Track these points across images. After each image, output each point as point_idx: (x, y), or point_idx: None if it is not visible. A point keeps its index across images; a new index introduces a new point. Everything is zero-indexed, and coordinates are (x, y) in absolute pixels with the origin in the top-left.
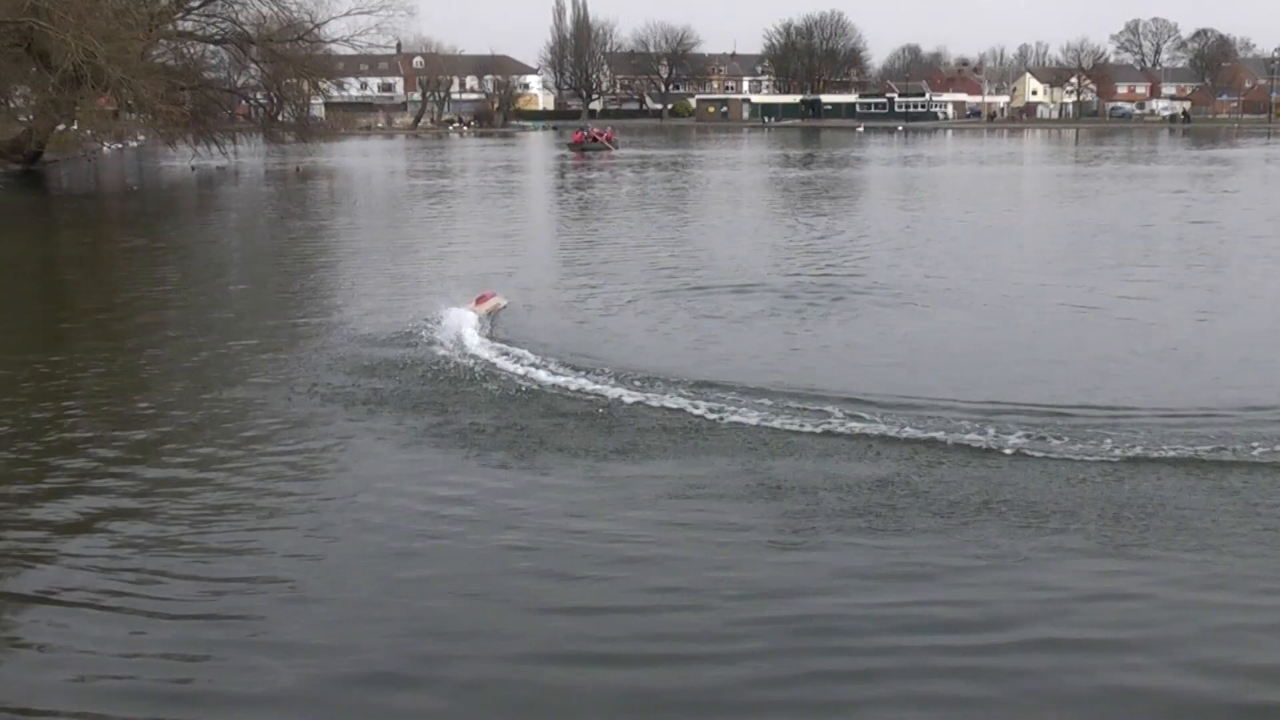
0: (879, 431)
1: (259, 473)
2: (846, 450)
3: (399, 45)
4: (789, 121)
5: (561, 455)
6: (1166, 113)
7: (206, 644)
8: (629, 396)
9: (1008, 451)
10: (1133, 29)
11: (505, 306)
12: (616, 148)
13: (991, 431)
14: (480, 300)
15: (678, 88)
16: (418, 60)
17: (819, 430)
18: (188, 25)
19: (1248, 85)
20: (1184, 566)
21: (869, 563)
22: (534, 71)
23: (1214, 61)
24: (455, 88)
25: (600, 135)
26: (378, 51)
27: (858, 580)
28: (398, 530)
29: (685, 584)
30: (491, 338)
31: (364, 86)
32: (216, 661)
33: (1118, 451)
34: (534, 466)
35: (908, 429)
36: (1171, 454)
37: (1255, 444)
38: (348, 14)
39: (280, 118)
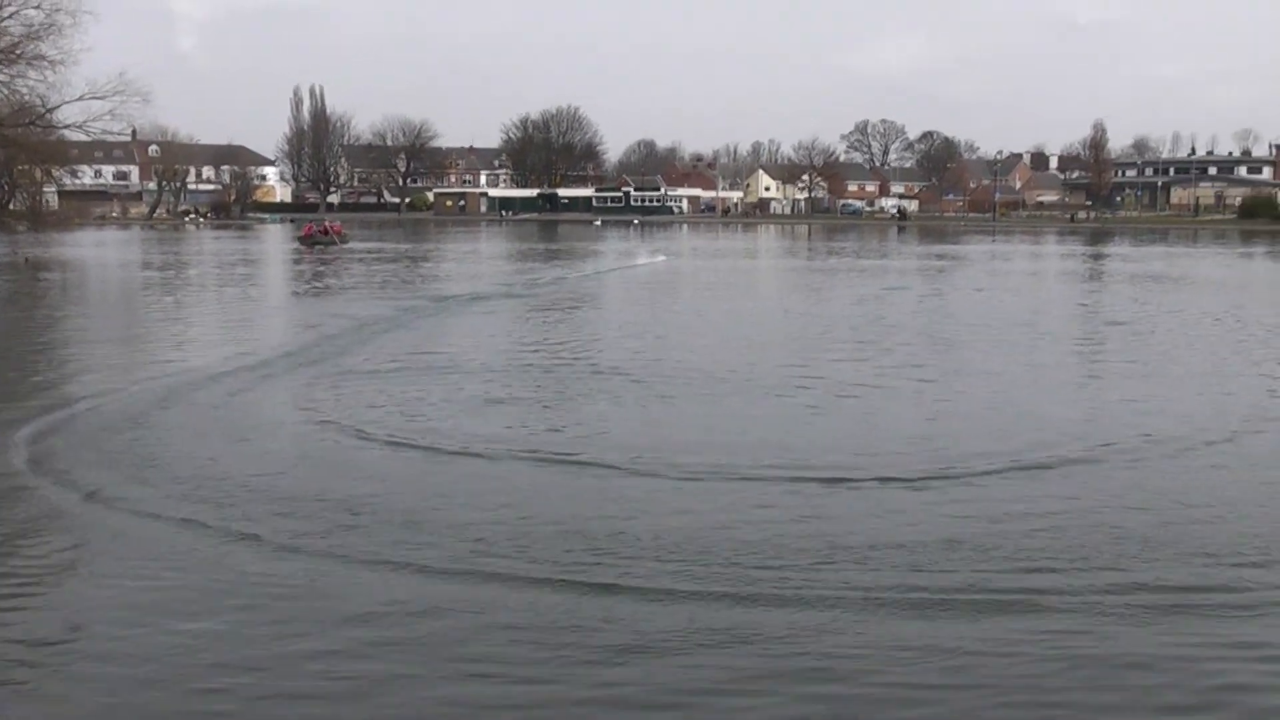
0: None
1: None
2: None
3: (134, 132)
4: (527, 215)
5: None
6: (894, 210)
7: None
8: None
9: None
10: (862, 129)
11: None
12: (345, 241)
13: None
14: (655, 253)
15: (416, 181)
16: (153, 148)
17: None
18: None
19: (973, 185)
20: None
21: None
22: (271, 163)
23: (940, 162)
24: (192, 177)
25: (330, 229)
26: (112, 138)
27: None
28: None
29: None
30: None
31: (98, 174)
32: None
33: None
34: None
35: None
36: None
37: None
38: (81, 99)
39: (11, 205)
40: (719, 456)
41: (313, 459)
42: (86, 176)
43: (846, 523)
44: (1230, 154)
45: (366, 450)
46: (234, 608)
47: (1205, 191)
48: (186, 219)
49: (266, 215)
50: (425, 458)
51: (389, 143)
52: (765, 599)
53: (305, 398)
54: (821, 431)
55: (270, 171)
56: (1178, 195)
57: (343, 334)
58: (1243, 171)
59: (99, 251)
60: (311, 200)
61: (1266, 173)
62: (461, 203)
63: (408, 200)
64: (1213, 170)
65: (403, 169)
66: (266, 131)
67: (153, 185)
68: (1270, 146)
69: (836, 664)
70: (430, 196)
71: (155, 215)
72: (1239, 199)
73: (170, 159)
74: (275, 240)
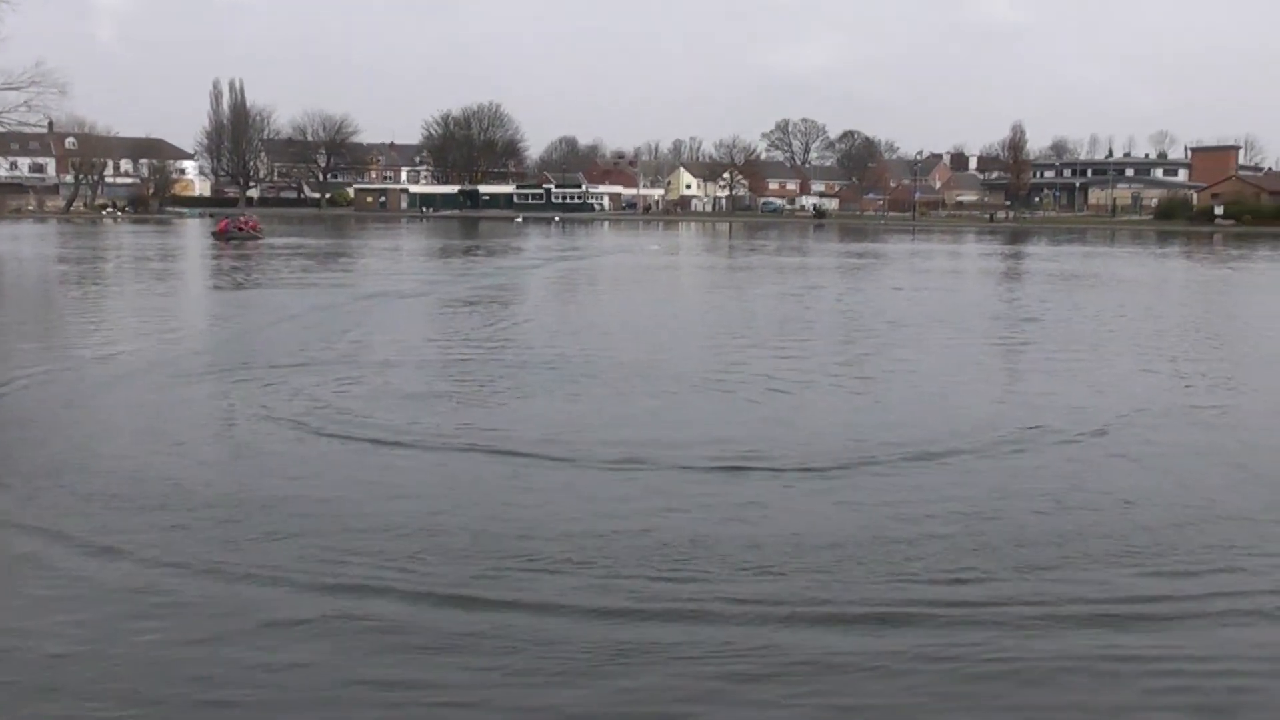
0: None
1: None
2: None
3: (51, 124)
4: (448, 212)
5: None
6: (812, 208)
7: None
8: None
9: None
10: (783, 128)
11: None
12: (261, 236)
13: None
14: (660, 246)
15: (336, 177)
16: (70, 140)
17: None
18: None
19: (893, 184)
20: None
21: None
22: (190, 157)
23: (860, 161)
24: (110, 171)
25: (245, 224)
26: (28, 130)
27: None
28: None
29: None
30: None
31: (14, 167)
32: None
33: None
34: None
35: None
36: None
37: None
38: None
39: None
40: (639, 449)
41: (230, 456)
42: (1, 169)
43: (766, 520)
44: (1147, 156)
45: (288, 446)
46: (147, 629)
47: (1122, 193)
48: (104, 213)
49: (185, 210)
50: (344, 452)
51: (309, 138)
52: (684, 608)
53: (221, 395)
54: (740, 425)
55: (189, 165)
56: (1095, 196)
57: (259, 329)
58: (1159, 173)
59: (13, 245)
60: (231, 195)
61: (1182, 175)
62: (382, 199)
63: (328, 196)
64: (1130, 172)
65: (323, 164)
66: (186, 124)
67: (70, 178)
68: (1185, 149)
69: (754, 682)
70: (351, 192)
71: (72, 209)
72: (1155, 200)
73: (88, 151)
74: (194, 235)
